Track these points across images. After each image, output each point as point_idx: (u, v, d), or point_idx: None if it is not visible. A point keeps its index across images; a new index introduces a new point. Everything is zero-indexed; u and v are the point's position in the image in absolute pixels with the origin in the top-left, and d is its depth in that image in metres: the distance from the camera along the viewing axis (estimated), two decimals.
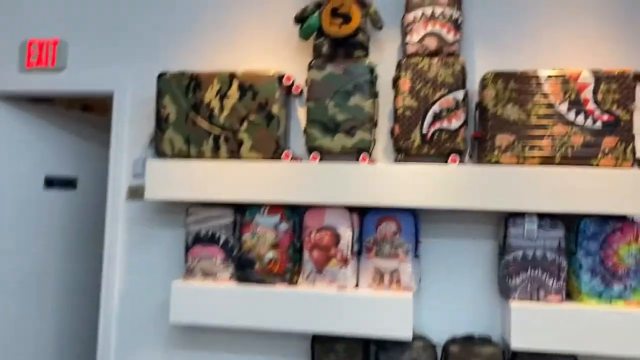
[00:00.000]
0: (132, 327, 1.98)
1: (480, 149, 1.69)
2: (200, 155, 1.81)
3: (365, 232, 1.74)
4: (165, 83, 1.85)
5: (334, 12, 1.75)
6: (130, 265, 2.00)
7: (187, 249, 1.82)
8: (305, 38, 1.81)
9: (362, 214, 1.77)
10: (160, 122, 1.85)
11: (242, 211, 1.81)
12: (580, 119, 1.60)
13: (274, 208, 1.77)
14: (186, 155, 1.82)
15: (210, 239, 1.80)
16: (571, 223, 1.66)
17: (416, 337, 1.70)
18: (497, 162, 1.64)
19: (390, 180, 1.67)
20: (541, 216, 1.63)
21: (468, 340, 1.67)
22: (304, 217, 1.76)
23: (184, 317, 1.77)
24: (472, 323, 1.78)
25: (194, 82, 1.82)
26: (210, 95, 1.81)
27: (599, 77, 1.60)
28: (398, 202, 1.67)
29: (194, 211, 1.83)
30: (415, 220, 1.71)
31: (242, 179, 1.76)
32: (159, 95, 1.85)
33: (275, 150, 1.77)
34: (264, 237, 1.75)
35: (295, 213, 1.78)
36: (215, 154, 1.80)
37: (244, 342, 1.90)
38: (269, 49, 1.95)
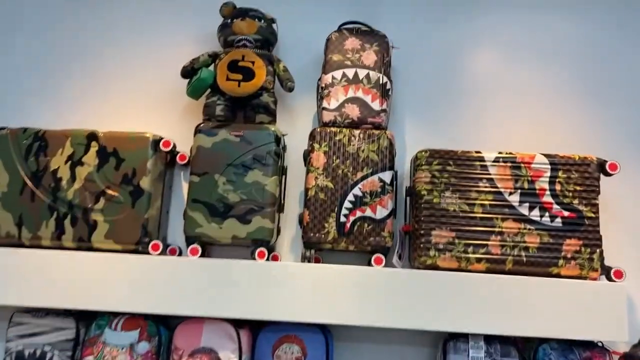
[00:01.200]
0: None
1: (412, 248, 1.30)
2: (35, 241, 1.30)
3: (259, 356, 1.26)
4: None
5: (233, 66, 1.37)
6: None
7: None
8: (195, 96, 1.41)
9: (255, 330, 1.30)
10: None
11: (88, 323, 1.29)
12: (535, 213, 1.26)
13: (131, 320, 1.27)
14: (16, 242, 1.31)
15: None
16: (528, 349, 1.27)
17: None
18: (432, 266, 1.25)
19: (295, 286, 1.23)
20: (489, 339, 1.24)
21: None
22: (174, 335, 1.27)
23: None
24: None
25: (39, 143, 1.35)
26: (59, 160, 1.34)
27: (556, 163, 1.29)
28: (304, 317, 1.22)
29: (20, 320, 1.29)
30: (326, 341, 1.27)
31: (90, 278, 1.26)
32: None
33: (139, 240, 1.29)
34: None
35: (161, 328, 1.29)
36: (57, 241, 1.30)
37: None
38: (148, 107, 1.53)
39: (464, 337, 1.24)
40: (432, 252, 1.25)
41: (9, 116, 1.52)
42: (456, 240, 1.25)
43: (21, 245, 1.31)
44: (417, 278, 1.23)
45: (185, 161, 1.40)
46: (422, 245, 1.26)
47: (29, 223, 1.31)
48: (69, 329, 1.28)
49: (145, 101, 1.53)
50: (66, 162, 1.34)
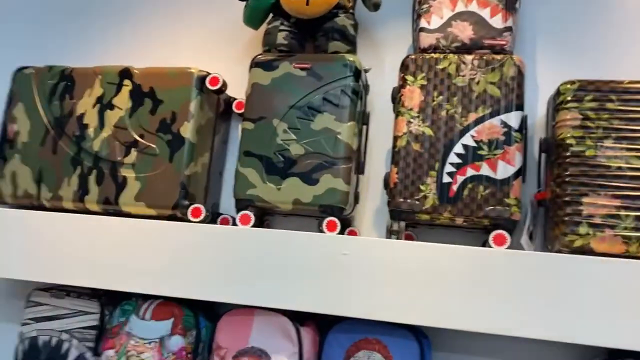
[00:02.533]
0: None
1: (552, 223, 0.89)
2: (56, 202, 1.05)
3: None
4: (22, 82, 1.13)
5: None
6: None
7: None
8: (253, 23, 1.09)
9: (323, 329, 0.96)
10: (4, 144, 1.11)
11: (113, 306, 1.02)
12: None
13: (164, 307, 0.98)
14: (35, 203, 1.07)
15: (52, 355, 1.00)
16: None
17: None
18: (584, 250, 0.84)
19: (379, 271, 0.87)
20: None
21: None
22: (216, 329, 0.96)
23: None
24: None
25: (65, 83, 1.10)
26: (86, 103, 1.08)
27: None
28: (390, 315, 0.86)
29: (38, 300, 1.05)
30: (421, 350, 0.90)
31: (115, 250, 0.98)
32: (10, 101, 1.13)
33: (177, 202, 1.00)
34: (138, 359, 0.94)
35: (201, 319, 0.98)
36: (80, 202, 1.04)
37: None
38: (197, 44, 1.23)
39: (631, 356, 0.82)
40: (583, 229, 0.84)
41: (33, 56, 1.30)
42: (622, 212, 0.83)
43: (40, 206, 1.07)
44: (559, 266, 0.82)
45: (242, 110, 1.08)
46: (567, 219, 0.85)
47: (49, 179, 1.06)
48: (91, 314, 1.02)
49: (194, 37, 1.23)
50: (94, 105, 1.07)
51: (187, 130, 1.02)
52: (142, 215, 1.01)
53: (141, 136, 1.04)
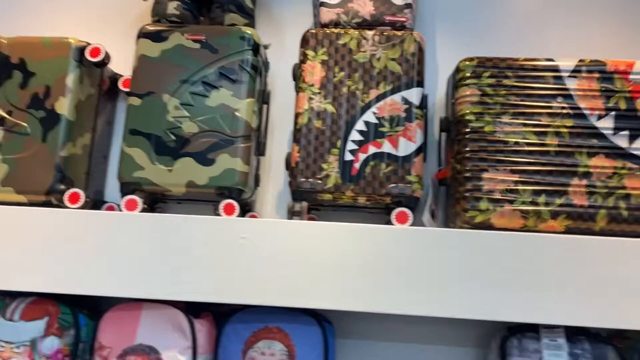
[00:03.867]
0: None
1: (453, 200, 0.88)
2: None
3: (224, 358, 0.85)
4: None
5: None
6: None
7: None
8: None
9: (219, 320, 0.89)
10: None
11: None
12: (638, 145, 0.84)
13: (36, 305, 0.86)
14: None
15: None
16: (629, 350, 0.85)
17: None
18: (484, 225, 0.83)
19: (279, 254, 0.82)
20: (572, 335, 0.82)
21: None
22: (98, 326, 0.86)
23: None
24: None
25: None
26: None
27: None
28: (291, 300, 0.81)
29: None
30: (324, 337, 0.85)
31: None
32: None
33: (51, 187, 0.88)
34: None
35: (81, 317, 0.87)
36: None
37: None
38: (82, 13, 1.12)
39: (532, 330, 0.82)
40: (483, 205, 0.83)
41: None
42: (520, 187, 0.83)
43: None
44: (461, 242, 0.81)
45: (130, 85, 0.97)
46: (467, 195, 0.84)
47: None
48: None
49: (76, 7, 1.12)
50: None
51: (63, 106, 0.90)
52: (10, 202, 0.88)
53: (9, 113, 0.91)
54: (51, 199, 0.88)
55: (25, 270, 0.83)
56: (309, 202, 0.89)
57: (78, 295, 0.87)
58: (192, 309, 0.86)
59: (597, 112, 0.85)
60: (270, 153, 1.03)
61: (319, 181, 0.87)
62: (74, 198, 0.89)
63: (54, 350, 0.82)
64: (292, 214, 0.88)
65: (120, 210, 0.89)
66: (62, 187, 0.89)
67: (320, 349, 0.84)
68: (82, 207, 0.89)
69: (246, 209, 0.98)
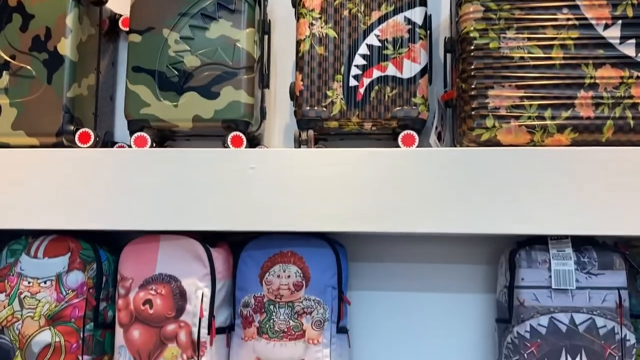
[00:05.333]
0: None
1: (459, 119, 0.88)
2: None
3: (241, 284, 0.88)
4: None
5: None
6: None
7: None
8: None
9: (234, 248, 0.92)
10: None
11: (0, 247, 0.91)
12: None
13: (57, 242, 0.89)
14: None
15: None
16: (636, 256, 0.87)
17: None
18: (491, 142, 0.84)
19: (289, 182, 0.83)
20: (579, 245, 0.83)
21: None
22: (119, 260, 0.89)
23: None
24: None
25: None
26: None
27: None
28: (303, 225, 0.83)
29: None
30: (337, 259, 0.88)
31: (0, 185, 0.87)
32: None
33: (61, 129, 0.90)
34: (33, 300, 0.86)
35: (101, 252, 0.90)
36: None
37: None
38: None
39: (540, 243, 0.84)
40: (489, 122, 0.83)
41: None
42: (526, 102, 0.83)
43: None
44: (468, 160, 0.81)
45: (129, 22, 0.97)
46: (474, 113, 0.84)
47: None
48: None
49: None
50: None
51: (65, 47, 0.90)
52: (23, 145, 0.90)
53: (12, 57, 0.91)
54: (62, 139, 0.90)
55: (44, 210, 0.86)
56: (315, 130, 0.89)
57: (97, 232, 0.90)
58: (208, 240, 0.89)
59: (603, 22, 0.83)
60: (275, 85, 1.03)
61: (324, 109, 0.87)
62: (85, 138, 0.90)
63: (79, 283, 0.86)
64: (299, 143, 0.89)
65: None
66: (72, 127, 0.90)
67: (333, 270, 0.87)
68: (93, 147, 0.90)
69: (254, 143, 0.98)
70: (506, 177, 0.80)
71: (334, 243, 0.89)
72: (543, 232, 0.80)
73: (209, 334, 0.83)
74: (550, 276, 0.81)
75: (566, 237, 0.83)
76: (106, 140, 1.00)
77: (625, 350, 0.80)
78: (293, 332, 0.84)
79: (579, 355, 0.79)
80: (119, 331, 0.86)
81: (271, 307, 0.86)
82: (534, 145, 0.83)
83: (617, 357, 0.79)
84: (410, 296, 0.98)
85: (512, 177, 0.80)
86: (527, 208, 0.80)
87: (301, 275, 0.85)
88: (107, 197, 0.85)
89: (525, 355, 0.80)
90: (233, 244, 0.92)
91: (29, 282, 0.86)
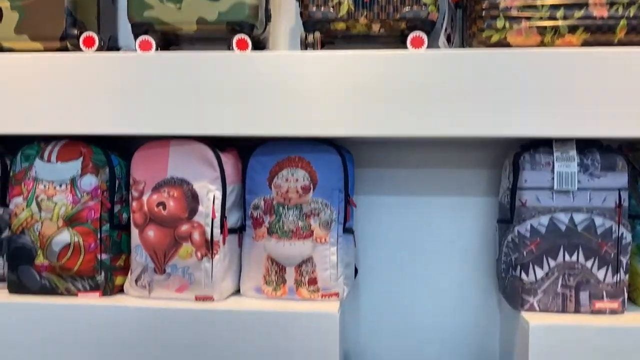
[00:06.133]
0: None
1: (469, 21, 0.86)
2: None
3: (250, 188, 0.91)
4: None
5: None
6: None
7: None
8: None
9: (243, 153, 0.93)
10: None
11: (13, 153, 0.93)
12: None
13: (69, 147, 0.91)
14: None
15: None
16: (638, 159, 0.88)
17: None
18: (501, 44, 0.82)
19: (296, 85, 0.83)
20: (583, 147, 0.84)
21: None
22: (131, 163, 0.91)
23: None
24: (452, 348, 1.00)
25: None
26: None
27: None
28: (311, 129, 0.84)
29: None
30: (344, 164, 0.89)
31: (8, 90, 0.87)
32: None
33: (65, 32, 0.88)
34: (50, 202, 0.89)
35: (112, 157, 0.92)
36: None
37: None
38: None
39: (544, 145, 0.85)
40: (500, 22, 0.81)
41: None
42: (538, 2, 0.81)
43: None
44: (477, 62, 0.80)
45: None
46: (484, 14, 0.82)
47: None
48: None
49: None
50: None
51: None
52: (27, 50, 0.89)
53: None
54: (66, 44, 0.89)
55: (53, 115, 0.86)
56: (321, 33, 0.88)
57: (107, 138, 0.91)
58: (217, 145, 0.90)
59: None
60: None
61: (331, 10, 0.85)
62: (89, 41, 0.89)
63: (93, 187, 0.89)
64: (305, 45, 0.88)
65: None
66: (76, 31, 0.89)
67: (340, 175, 0.89)
68: (98, 50, 0.89)
69: (260, 46, 0.97)
70: (514, 79, 0.80)
71: (341, 149, 0.90)
72: (548, 135, 0.81)
73: (221, 233, 0.87)
74: (553, 178, 0.83)
75: (571, 139, 0.84)
76: (110, 45, 0.99)
77: (621, 248, 0.83)
78: (302, 232, 0.88)
79: (576, 252, 0.83)
80: (134, 232, 0.89)
81: (280, 209, 0.88)
82: (545, 46, 0.82)
83: (612, 254, 0.83)
84: (414, 200, 1.00)
85: (520, 79, 0.80)
86: (534, 110, 0.80)
87: (309, 179, 0.88)
88: (115, 102, 0.85)
89: (524, 252, 0.84)
90: (241, 150, 0.94)
91: (44, 186, 0.89)
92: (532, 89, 0.79)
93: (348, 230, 0.90)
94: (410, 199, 1.00)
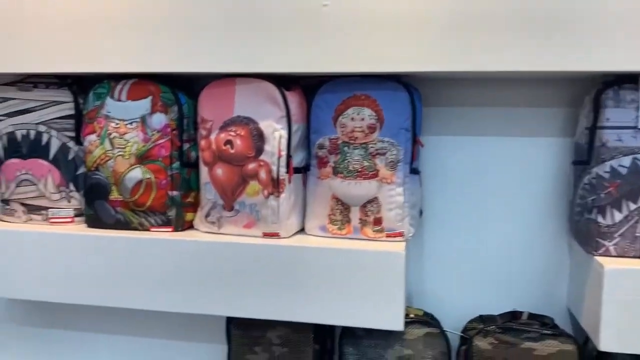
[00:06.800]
0: None
1: None
2: None
3: (315, 127, 0.90)
4: None
5: None
6: None
7: None
8: None
9: (308, 91, 0.92)
10: None
11: (85, 92, 0.96)
12: None
13: (139, 86, 0.92)
14: None
15: (33, 147, 0.97)
16: None
17: (414, 320, 0.92)
18: None
19: (363, 20, 0.80)
20: None
21: (508, 328, 0.89)
22: (198, 103, 0.92)
23: None
24: (517, 293, 0.99)
25: None
26: None
27: None
28: (378, 66, 0.81)
29: (5, 94, 0.99)
30: (411, 101, 0.87)
31: (79, 30, 0.89)
32: None
33: None
34: (122, 140, 0.91)
35: (180, 95, 0.93)
36: None
37: (112, 321, 1.14)
38: None
39: (630, 81, 0.79)
40: None
41: None
42: None
43: None
44: None
45: None
46: None
47: None
48: (65, 103, 0.96)
49: None
50: None
51: None
52: None
53: None
54: None
55: (122, 54, 0.88)
56: None
57: (173, 77, 0.92)
58: (282, 83, 0.89)
59: None
60: None
61: None
62: None
63: (163, 125, 0.90)
64: None
65: None
66: None
67: (407, 113, 0.86)
68: None
69: None
70: (597, 5, 0.74)
71: (409, 86, 0.87)
72: (634, 70, 0.75)
73: (287, 172, 0.87)
74: (638, 116, 0.78)
75: None
76: None
77: None
78: (367, 172, 0.87)
79: None
80: (203, 169, 0.91)
81: (345, 148, 0.87)
82: None
83: None
84: (483, 140, 0.97)
85: (604, 6, 0.74)
86: (617, 43, 0.74)
87: (375, 117, 0.86)
88: (184, 40, 0.85)
89: (602, 195, 0.80)
90: (306, 89, 0.92)
91: (116, 124, 0.91)
92: (617, 19, 0.73)
93: (414, 171, 0.89)
94: (479, 139, 0.97)
